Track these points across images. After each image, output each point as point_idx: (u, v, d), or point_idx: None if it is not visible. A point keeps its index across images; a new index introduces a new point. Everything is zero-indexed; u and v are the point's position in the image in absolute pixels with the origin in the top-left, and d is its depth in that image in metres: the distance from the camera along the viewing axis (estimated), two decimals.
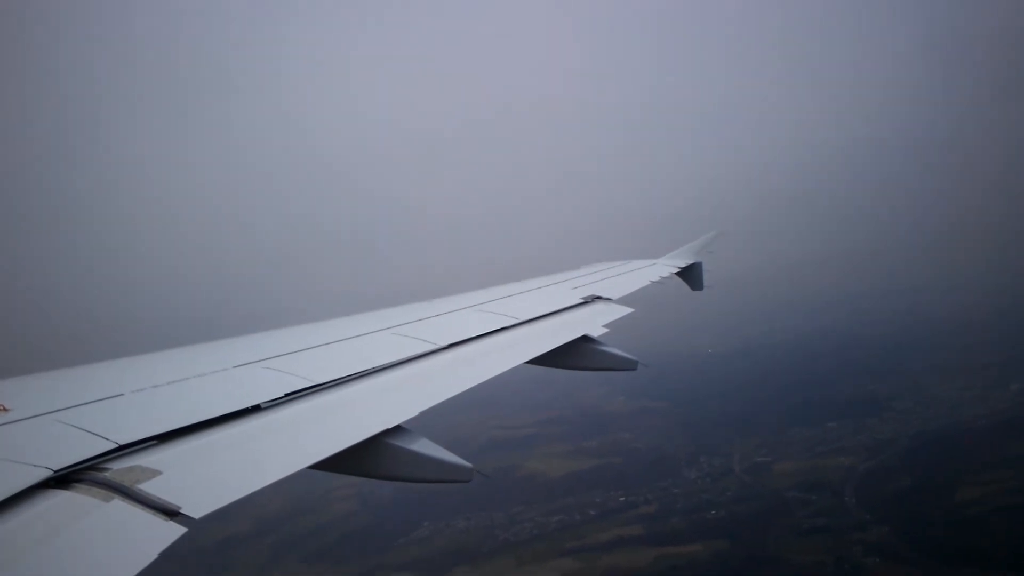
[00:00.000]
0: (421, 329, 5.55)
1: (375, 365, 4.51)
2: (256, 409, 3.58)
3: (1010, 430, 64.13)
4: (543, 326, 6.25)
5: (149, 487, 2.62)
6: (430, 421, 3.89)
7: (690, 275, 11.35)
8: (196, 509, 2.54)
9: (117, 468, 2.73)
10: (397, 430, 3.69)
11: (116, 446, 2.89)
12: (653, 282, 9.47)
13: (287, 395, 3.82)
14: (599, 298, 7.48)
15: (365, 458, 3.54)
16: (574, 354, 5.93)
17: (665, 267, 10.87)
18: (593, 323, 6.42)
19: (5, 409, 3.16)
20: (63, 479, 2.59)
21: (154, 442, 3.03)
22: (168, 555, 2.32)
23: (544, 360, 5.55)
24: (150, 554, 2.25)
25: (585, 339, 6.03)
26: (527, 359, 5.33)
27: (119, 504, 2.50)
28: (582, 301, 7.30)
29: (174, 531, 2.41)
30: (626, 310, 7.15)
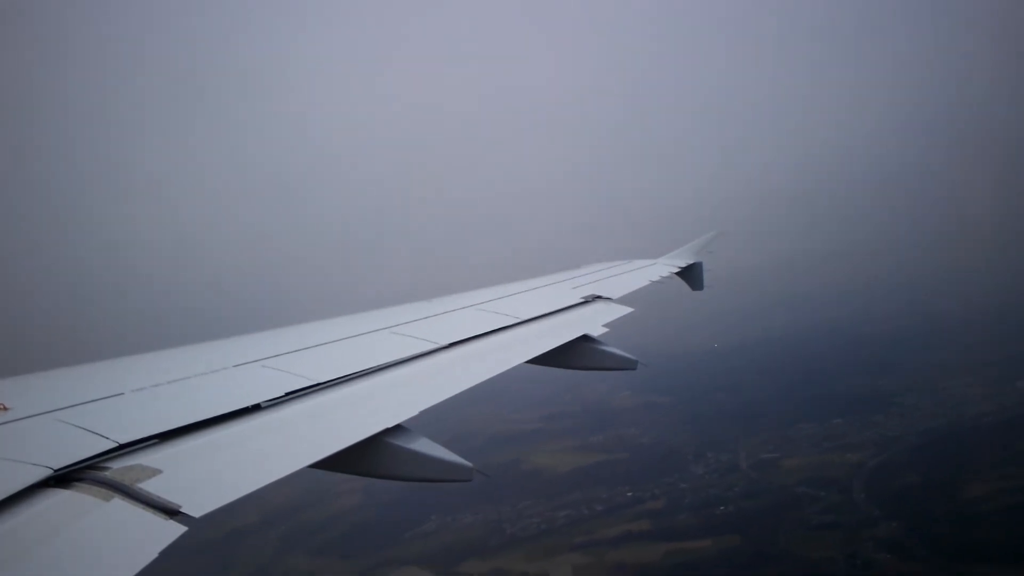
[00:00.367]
0: (421, 328, 5.56)
1: (375, 364, 4.51)
2: (256, 408, 3.59)
3: (1018, 427, 63.70)
4: (543, 325, 6.25)
5: (149, 486, 2.63)
6: (433, 417, 3.90)
7: (690, 275, 11.32)
8: (196, 508, 2.55)
9: (117, 467, 2.74)
10: (397, 429, 3.70)
11: (116, 445, 2.90)
12: (653, 281, 9.45)
13: (287, 394, 3.83)
14: (599, 297, 7.48)
15: (365, 457, 3.55)
16: (574, 353, 5.94)
17: (665, 267, 10.85)
18: (593, 322, 6.42)
19: (5, 408, 3.17)
20: (63, 478, 2.61)
21: (154, 441, 3.05)
22: (175, 547, 2.34)
23: (544, 359, 5.55)
24: (150, 553, 2.26)
25: (585, 338, 6.04)
26: (527, 358, 5.33)
27: (119, 503, 2.51)
28: (582, 300, 7.31)
29: (174, 530, 2.42)
30: (626, 310, 7.14)
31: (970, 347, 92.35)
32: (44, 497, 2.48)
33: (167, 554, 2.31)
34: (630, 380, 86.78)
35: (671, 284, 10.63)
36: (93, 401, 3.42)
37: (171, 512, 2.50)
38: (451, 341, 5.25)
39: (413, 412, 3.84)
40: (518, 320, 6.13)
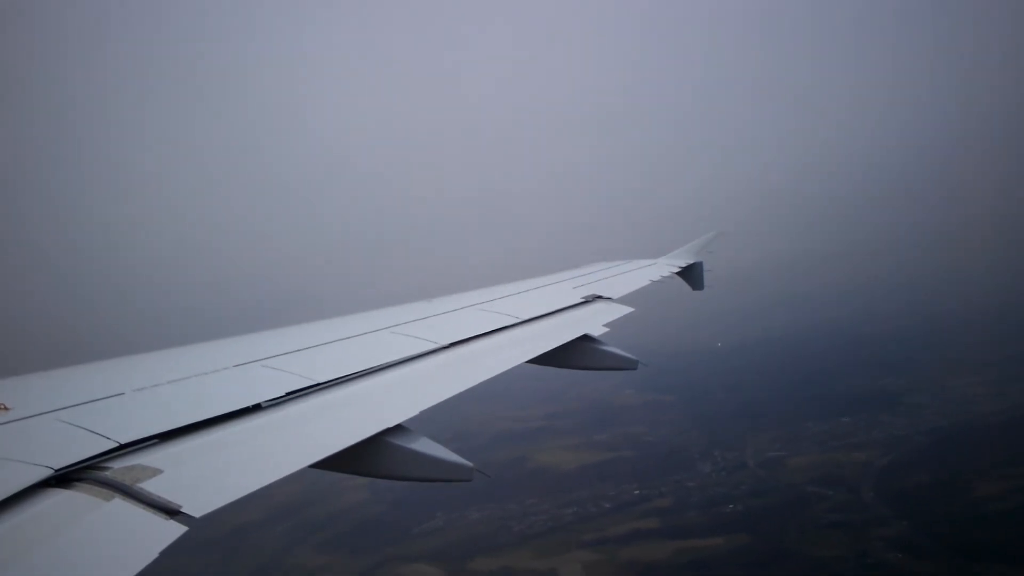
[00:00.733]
0: (422, 328, 5.57)
1: (376, 364, 4.52)
2: (257, 408, 3.60)
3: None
4: (544, 325, 6.25)
5: (150, 486, 2.64)
6: (436, 416, 3.90)
7: (691, 275, 11.32)
8: (197, 508, 2.56)
9: (118, 467, 2.75)
10: (398, 429, 3.70)
11: (117, 445, 2.91)
12: (653, 281, 9.44)
13: (288, 394, 3.84)
14: (600, 297, 7.47)
15: (366, 457, 3.56)
16: (575, 353, 5.94)
17: (666, 267, 10.84)
18: (594, 322, 6.42)
19: (6, 408, 3.18)
20: (64, 478, 2.62)
21: (155, 441, 3.06)
22: (178, 544, 2.35)
23: (545, 359, 5.55)
24: (151, 553, 2.27)
25: (586, 338, 6.04)
26: (528, 358, 5.33)
27: (120, 503, 2.52)
28: (583, 300, 7.30)
29: (175, 530, 2.43)
30: (627, 309, 7.14)
31: (971, 347, 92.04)
32: (45, 497, 2.49)
33: (169, 552, 2.31)
34: (632, 379, 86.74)
35: (671, 284, 10.63)
36: (94, 401, 3.43)
37: (172, 512, 2.50)
38: (452, 341, 5.25)
39: (414, 412, 3.84)
40: (519, 320, 6.13)
